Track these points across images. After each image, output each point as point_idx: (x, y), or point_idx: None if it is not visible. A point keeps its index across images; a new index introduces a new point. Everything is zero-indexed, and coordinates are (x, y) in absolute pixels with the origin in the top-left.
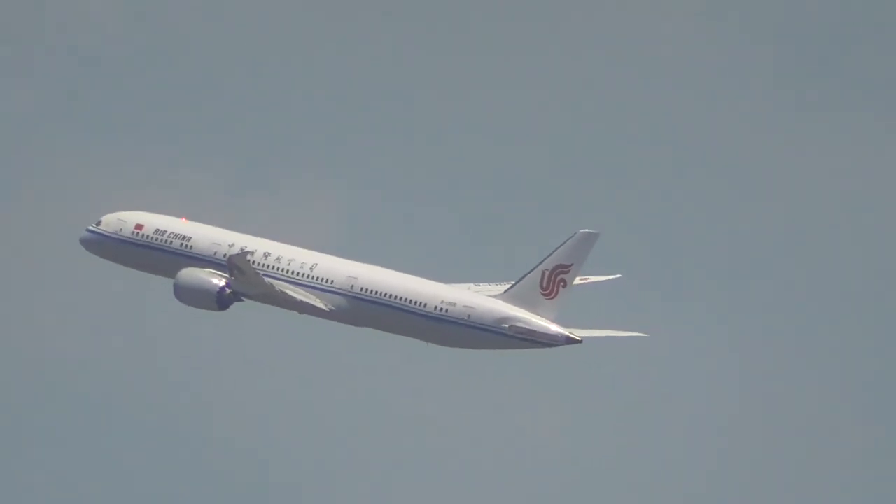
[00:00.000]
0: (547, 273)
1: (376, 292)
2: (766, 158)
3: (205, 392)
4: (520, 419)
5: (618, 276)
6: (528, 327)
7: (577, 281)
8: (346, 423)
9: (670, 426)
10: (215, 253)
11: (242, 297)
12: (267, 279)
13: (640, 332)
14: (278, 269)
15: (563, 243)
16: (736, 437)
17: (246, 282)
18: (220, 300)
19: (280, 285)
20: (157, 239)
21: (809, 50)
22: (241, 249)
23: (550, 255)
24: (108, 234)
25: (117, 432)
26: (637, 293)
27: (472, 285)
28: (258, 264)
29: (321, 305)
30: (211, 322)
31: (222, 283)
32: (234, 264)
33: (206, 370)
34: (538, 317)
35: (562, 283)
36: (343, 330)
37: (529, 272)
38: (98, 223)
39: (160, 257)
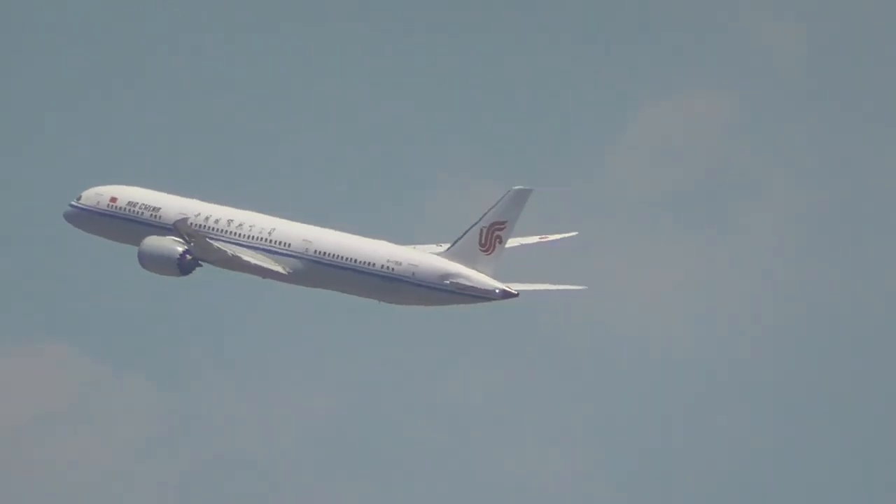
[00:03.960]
0: (484, 230)
1: (329, 254)
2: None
3: (166, 355)
4: (454, 374)
5: (574, 233)
6: (467, 283)
7: (536, 239)
8: (294, 382)
9: (601, 378)
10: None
11: (202, 263)
12: (217, 244)
13: (579, 285)
14: (240, 234)
15: (498, 201)
16: (671, 390)
17: (199, 247)
18: (182, 266)
19: (235, 250)
20: (129, 210)
21: None
22: (181, 216)
23: (487, 212)
24: (86, 207)
25: (86, 397)
26: (592, 250)
27: (434, 246)
28: (223, 231)
29: (279, 269)
30: (174, 288)
31: (182, 249)
32: (178, 230)
33: (167, 333)
34: (477, 272)
35: (498, 240)
36: (300, 292)
37: (468, 230)
38: (79, 198)
39: (132, 228)
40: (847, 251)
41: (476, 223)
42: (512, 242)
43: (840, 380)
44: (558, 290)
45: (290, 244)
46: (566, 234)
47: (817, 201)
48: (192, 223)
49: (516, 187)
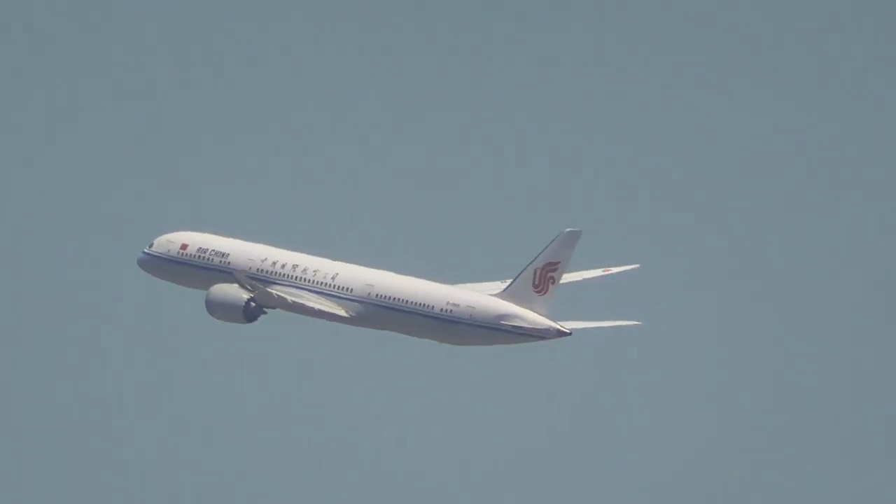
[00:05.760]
0: (538, 271)
1: (390, 298)
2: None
3: (228, 400)
4: (513, 412)
5: (636, 265)
6: (522, 323)
7: (599, 272)
8: (359, 421)
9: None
10: (250, 268)
11: (266, 310)
12: (280, 290)
13: (634, 321)
14: (305, 279)
15: (550, 243)
16: (727, 427)
17: (260, 295)
18: (247, 313)
19: (297, 295)
20: (199, 257)
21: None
22: (249, 261)
23: (540, 254)
24: (158, 254)
25: (157, 439)
26: (653, 283)
27: (499, 283)
28: (288, 276)
29: (342, 312)
30: (241, 334)
31: (247, 297)
32: (238, 279)
33: (235, 379)
34: (532, 312)
35: (551, 280)
36: (363, 334)
37: (523, 271)
38: (151, 245)
39: (203, 274)
40: None
41: (530, 264)
42: (575, 276)
43: None
44: (613, 326)
45: (352, 289)
46: (628, 267)
47: None
48: (255, 269)
49: (567, 229)
